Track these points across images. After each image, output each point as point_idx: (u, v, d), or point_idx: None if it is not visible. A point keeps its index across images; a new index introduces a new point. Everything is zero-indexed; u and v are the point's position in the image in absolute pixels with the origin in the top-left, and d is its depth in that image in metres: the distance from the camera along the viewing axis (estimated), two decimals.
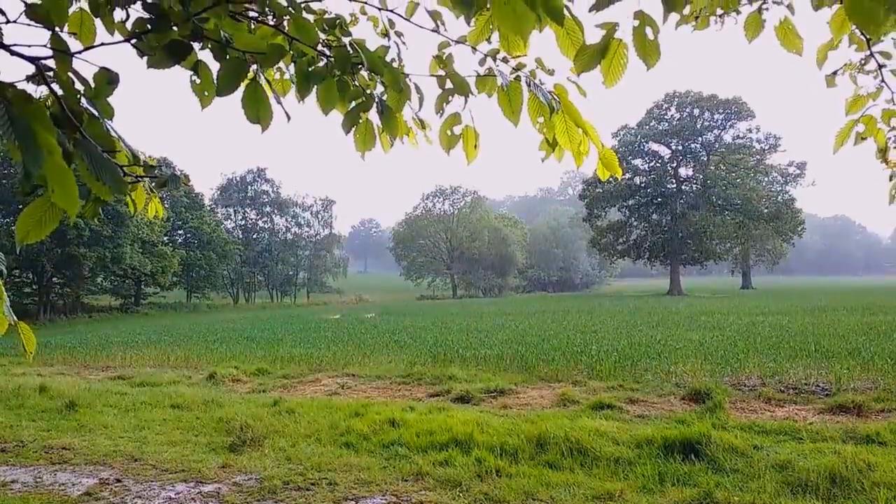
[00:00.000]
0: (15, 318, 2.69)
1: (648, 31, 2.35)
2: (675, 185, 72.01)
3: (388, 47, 3.11)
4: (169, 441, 7.98)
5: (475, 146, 3.08)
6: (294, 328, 27.31)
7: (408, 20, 3.04)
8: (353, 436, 7.86)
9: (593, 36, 2.45)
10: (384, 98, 2.87)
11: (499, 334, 20.60)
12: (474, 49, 2.86)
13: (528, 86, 2.76)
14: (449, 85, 2.93)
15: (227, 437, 7.98)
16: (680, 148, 71.98)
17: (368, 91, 2.86)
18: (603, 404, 9.18)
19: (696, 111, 71.13)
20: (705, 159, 70.81)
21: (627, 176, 70.49)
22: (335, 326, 27.71)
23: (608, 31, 2.42)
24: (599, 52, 2.43)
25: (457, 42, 2.93)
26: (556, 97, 2.79)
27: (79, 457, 7.37)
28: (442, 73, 2.96)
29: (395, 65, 3.06)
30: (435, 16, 2.96)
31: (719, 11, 3.34)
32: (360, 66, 2.64)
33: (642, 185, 71.94)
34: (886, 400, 8.85)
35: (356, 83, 2.77)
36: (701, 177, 70.48)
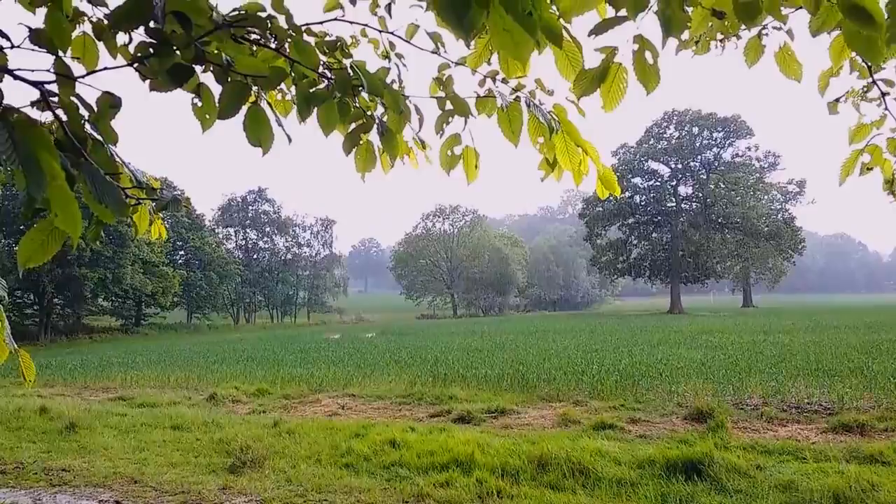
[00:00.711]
0: (15, 345, 2.69)
1: (648, 55, 2.35)
2: (674, 204, 72.17)
3: (389, 69, 3.12)
4: (169, 462, 7.94)
5: (475, 166, 3.08)
6: (294, 348, 27.28)
7: (408, 42, 3.06)
8: (353, 457, 7.83)
9: (593, 59, 2.47)
10: (384, 119, 2.89)
11: (499, 354, 20.56)
12: (474, 70, 2.88)
13: (528, 106, 2.77)
14: (449, 106, 2.95)
15: (227, 458, 7.94)
16: (679, 166, 72.22)
17: (369, 112, 2.88)
18: (604, 424, 9.15)
19: (696, 129, 71.46)
20: (705, 177, 71.00)
21: (627, 194, 70.67)
22: (335, 346, 27.67)
23: (608, 55, 2.43)
24: (599, 77, 2.45)
25: (457, 64, 2.95)
26: (555, 117, 2.81)
27: (78, 479, 7.34)
28: (442, 94, 2.98)
29: (395, 86, 3.07)
30: (435, 38, 2.98)
31: (720, 36, 3.33)
32: (360, 88, 2.65)
33: (642, 203, 72.12)
34: (890, 419, 8.82)
35: (357, 104, 2.78)
36: (700, 195, 70.63)
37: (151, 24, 2.03)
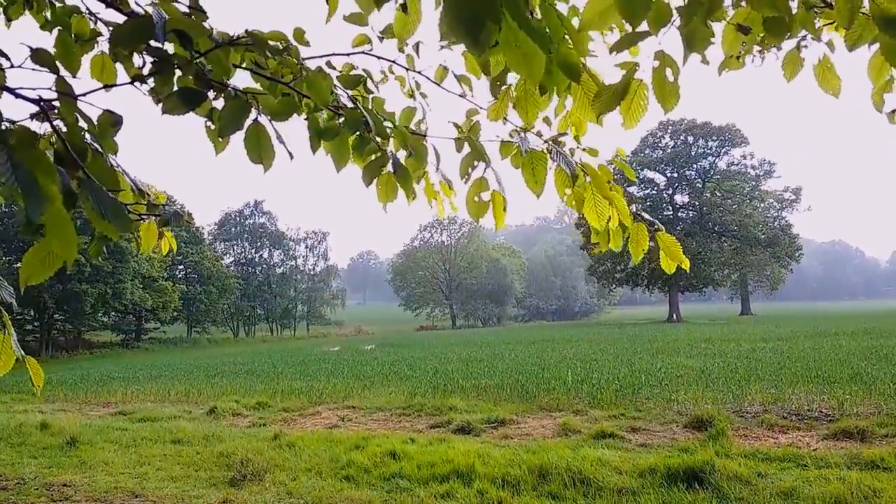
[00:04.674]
0: (22, 352, 2.72)
1: (668, 72, 2.30)
2: (671, 212, 72.30)
3: (415, 108, 3.10)
4: (169, 476, 7.93)
5: (504, 210, 3.00)
6: (294, 361, 27.22)
7: (437, 84, 3.02)
8: (353, 469, 7.82)
9: (613, 75, 2.45)
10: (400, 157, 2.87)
11: (498, 364, 20.52)
12: (494, 120, 2.84)
13: (550, 153, 2.73)
14: (467, 149, 2.89)
15: (228, 471, 7.94)
16: (675, 175, 72.43)
17: (386, 148, 2.85)
18: (605, 433, 9.15)
19: (691, 139, 71.70)
20: (700, 186, 71.20)
21: None
22: (335, 358, 27.62)
23: (628, 71, 2.39)
24: (619, 93, 2.40)
25: (485, 109, 2.91)
26: (583, 168, 2.78)
27: (79, 494, 7.32)
28: (461, 136, 2.91)
29: (422, 126, 3.05)
30: (463, 80, 2.96)
31: (757, 49, 3.18)
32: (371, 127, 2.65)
33: (638, 212, 72.04)
34: (890, 425, 8.82)
35: (376, 140, 2.76)
36: (697, 203, 70.80)
37: (153, 44, 2.06)
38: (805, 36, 2.87)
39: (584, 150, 2.90)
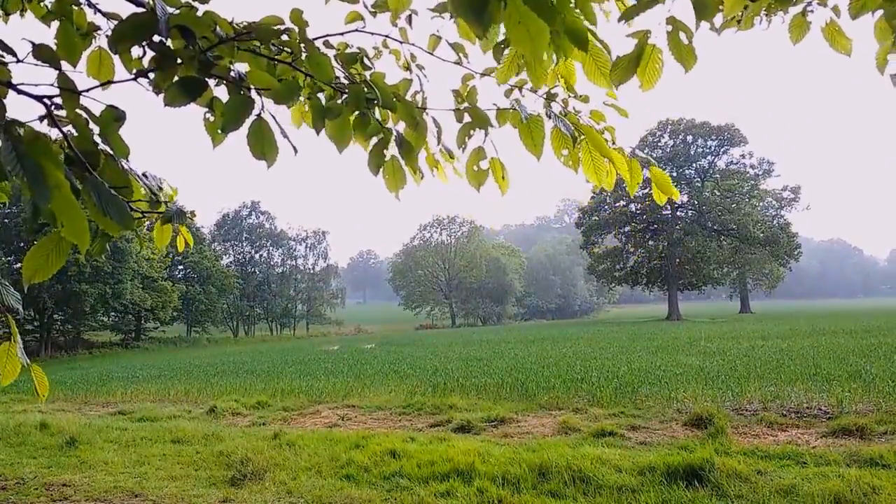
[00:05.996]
0: (28, 360, 2.71)
1: (682, 35, 2.37)
2: (670, 212, 72.27)
3: (411, 80, 3.10)
4: (169, 476, 7.92)
5: (503, 178, 3.04)
6: (293, 360, 27.22)
7: (430, 53, 3.04)
8: (353, 468, 7.81)
9: (625, 47, 2.50)
10: (403, 133, 2.87)
11: (498, 362, 20.51)
12: (501, 84, 2.86)
13: (549, 117, 2.75)
14: (468, 118, 2.91)
15: (228, 471, 7.93)
16: (674, 174, 72.38)
17: (387, 125, 2.85)
18: (604, 431, 9.15)
19: (690, 138, 71.80)
20: (700, 185, 71.20)
21: (622, 203, 70.80)
22: (335, 358, 27.61)
23: (641, 38, 2.44)
24: (634, 61, 2.46)
25: (482, 75, 2.94)
26: (579, 129, 2.80)
27: (79, 493, 7.32)
28: (461, 106, 2.95)
29: (418, 97, 3.06)
30: (458, 48, 2.97)
31: (763, 12, 3.24)
32: (375, 102, 2.64)
33: (637, 211, 72.22)
34: (889, 422, 8.81)
35: (377, 117, 2.75)
36: (696, 202, 70.80)
37: (155, 39, 2.05)
38: (811, 1, 2.94)
39: (577, 97, 2.92)
